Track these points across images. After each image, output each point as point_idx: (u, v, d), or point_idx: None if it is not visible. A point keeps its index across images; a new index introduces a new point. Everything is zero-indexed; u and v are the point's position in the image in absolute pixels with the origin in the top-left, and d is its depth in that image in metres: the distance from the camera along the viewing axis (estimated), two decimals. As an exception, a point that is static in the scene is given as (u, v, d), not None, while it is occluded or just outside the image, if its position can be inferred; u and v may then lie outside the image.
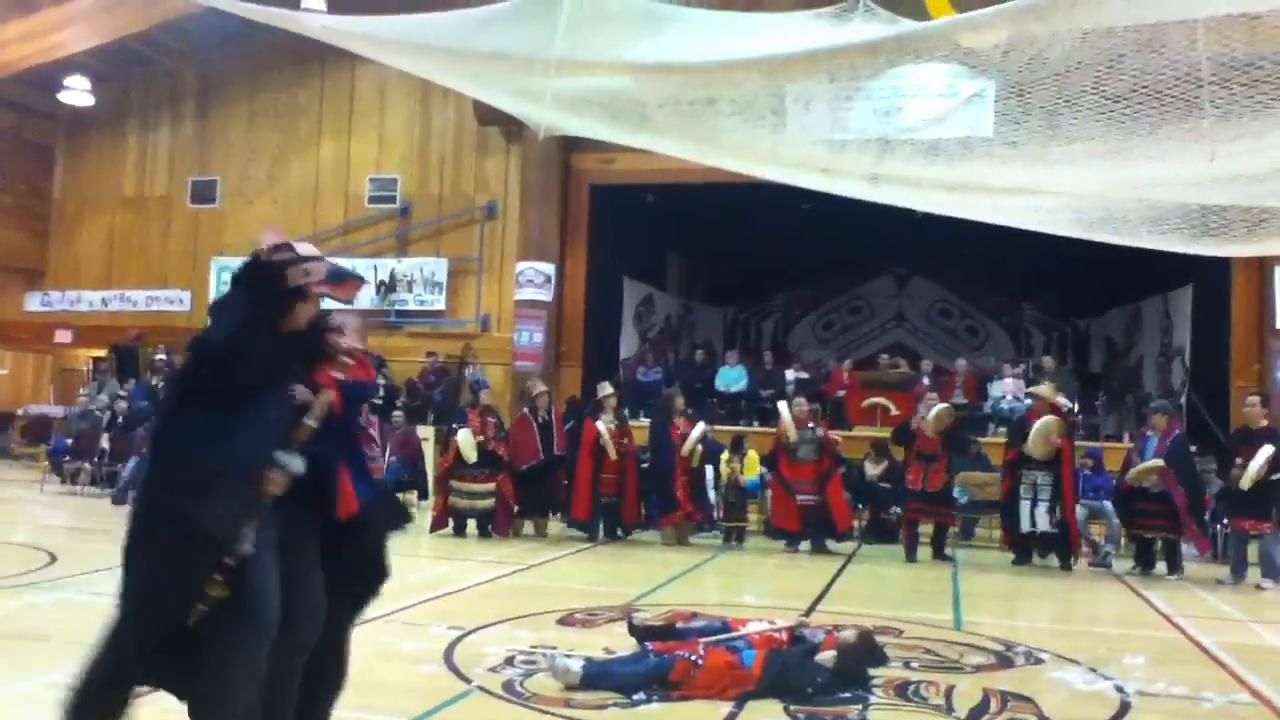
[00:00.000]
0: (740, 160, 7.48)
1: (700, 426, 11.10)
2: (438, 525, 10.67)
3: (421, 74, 9.07)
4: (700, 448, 10.97)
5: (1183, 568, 9.79)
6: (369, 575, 3.43)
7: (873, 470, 12.01)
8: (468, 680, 4.85)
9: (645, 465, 11.30)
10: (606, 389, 11.48)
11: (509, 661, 5.20)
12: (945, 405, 10.72)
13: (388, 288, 16.87)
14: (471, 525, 10.68)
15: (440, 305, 16.89)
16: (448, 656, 5.28)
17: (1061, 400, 10.60)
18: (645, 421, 12.82)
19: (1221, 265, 13.24)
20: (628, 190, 16.13)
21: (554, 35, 6.58)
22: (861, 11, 7.03)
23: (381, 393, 13.52)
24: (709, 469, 11.44)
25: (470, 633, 5.85)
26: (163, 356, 16.16)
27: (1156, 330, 16.31)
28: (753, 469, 11.78)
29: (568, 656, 4.94)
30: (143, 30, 17.54)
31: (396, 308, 16.89)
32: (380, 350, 15.57)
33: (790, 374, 16.31)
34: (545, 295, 15.76)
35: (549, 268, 15.78)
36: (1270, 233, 7.80)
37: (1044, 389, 10.69)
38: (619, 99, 6.50)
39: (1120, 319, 17.99)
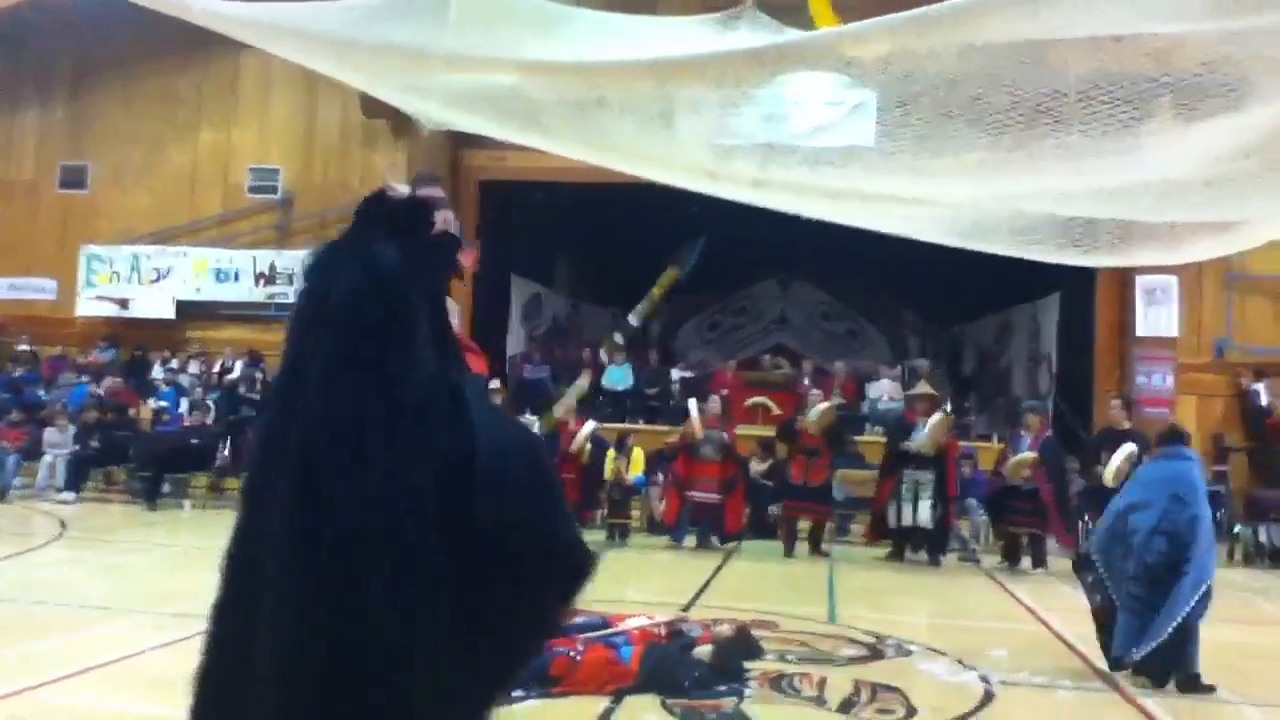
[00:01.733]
0: (629, 162, 7.54)
1: (590, 424, 11.15)
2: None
3: (306, 64, 8.88)
4: (589, 445, 11.02)
5: (1047, 562, 10.24)
6: None
7: (758, 467, 12.23)
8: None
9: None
10: (493, 384, 11.44)
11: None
12: (829, 404, 11.00)
13: (267, 280, 16.44)
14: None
15: (323, 299, 16.54)
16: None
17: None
18: (533, 418, 12.81)
19: (1087, 275, 13.85)
20: (518, 188, 16.08)
21: (443, 30, 6.53)
22: (748, 19, 7.16)
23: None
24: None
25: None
26: (25, 347, 15.46)
27: (1025, 336, 17.01)
28: (638, 467, 11.89)
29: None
30: (11, 6, 16.73)
31: (276, 301, 16.47)
32: (258, 346, 15.22)
33: (676, 373, 16.51)
34: (433, 291, 15.57)
35: (437, 263, 15.60)
36: (1133, 245, 8.23)
37: (924, 387, 11.06)
38: (508, 97, 6.49)
39: (992, 325, 18.69)
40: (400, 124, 15.51)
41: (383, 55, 7.12)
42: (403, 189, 2.75)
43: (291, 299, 15.64)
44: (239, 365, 15.19)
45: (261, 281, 16.39)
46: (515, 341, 17.20)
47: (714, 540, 10.70)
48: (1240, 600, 9.28)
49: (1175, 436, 6.24)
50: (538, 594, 2.40)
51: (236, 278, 16.39)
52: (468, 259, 2.89)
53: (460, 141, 15.15)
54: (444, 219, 2.72)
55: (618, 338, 11.43)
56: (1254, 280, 14.58)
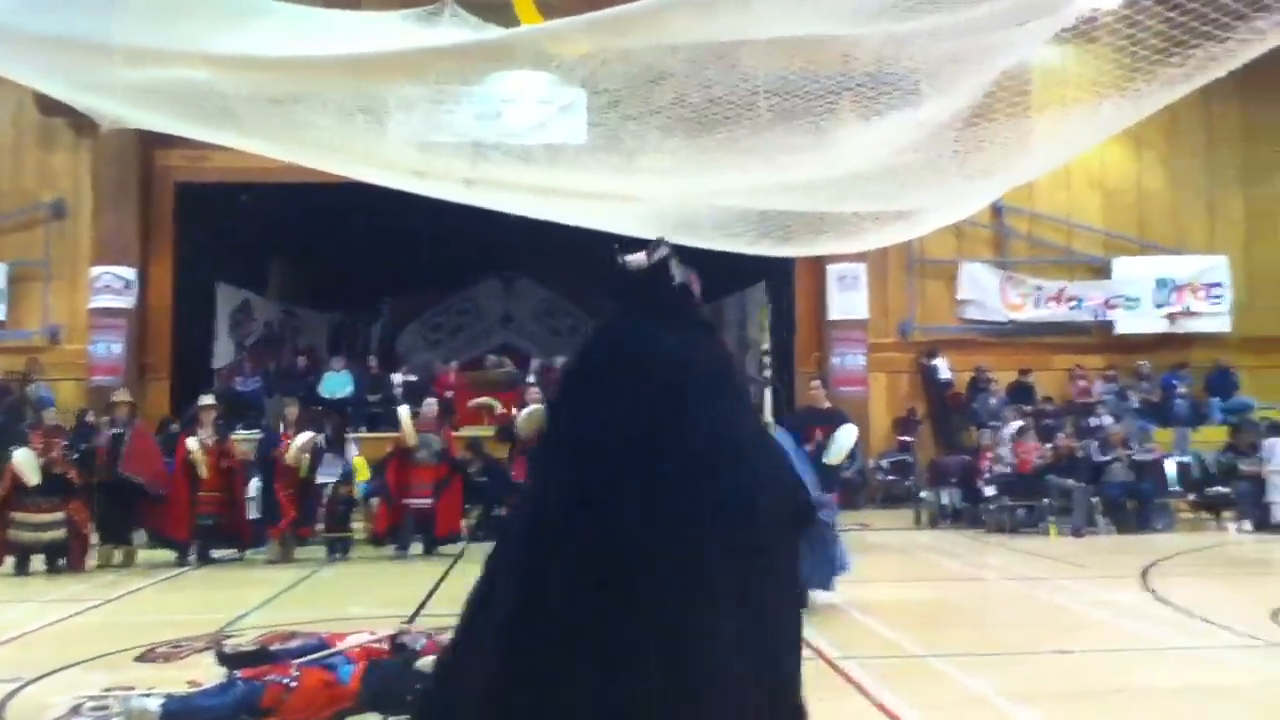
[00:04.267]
0: (332, 161, 7.27)
1: (305, 435, 10.66)
2: (-4, 563, 9.45)
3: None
4: (307, 457, 10.53)
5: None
6: None
7: (471, 469, 12.15)
8: (24, 738, 4.33)
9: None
10: (206, 399, 10.79)
11: (75, 711, 4.68)
12: (537, 407, 11.04)
13: (-71, 296, 14.69)
14: (38, 561, 9.53)
15: (-1, 315, 14.97)
16: (-1, 714, 4.68)
17: None
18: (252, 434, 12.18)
19: (786, 264, 14.73)
20: (220, 190, 15.16)
21: (124, 21, 6.03)
22: (449, 16, 7.06)
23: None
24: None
25: (29, 683, 5.21)
26: None
27: (735, 325, 17.86)
28: (362, 474, 11.51)
29: (145, 696, 4.54)
30: None
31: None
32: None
33: (398, 377, 16.13)
34: (126, 302, 14.47)
35: (129, 272, 14.49)
36: (823, 235, 8.80)
37: None
38: (197, 93, 6.05)
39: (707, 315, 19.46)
40: (82, 122, 14.18)
41: (52, 48, 6.49)
42: (639, 258, 3.08)
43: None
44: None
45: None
46: (224, 353, 16.21)
47: (424, 545, 10.56)
48: (928, 561, 10.15)
49: None
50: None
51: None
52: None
53: (153, 141, 14.12)
54: (680, 274, 3.11)
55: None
56: (932, 264, 16.01)
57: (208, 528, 10.22)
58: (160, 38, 6.21)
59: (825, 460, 10.35)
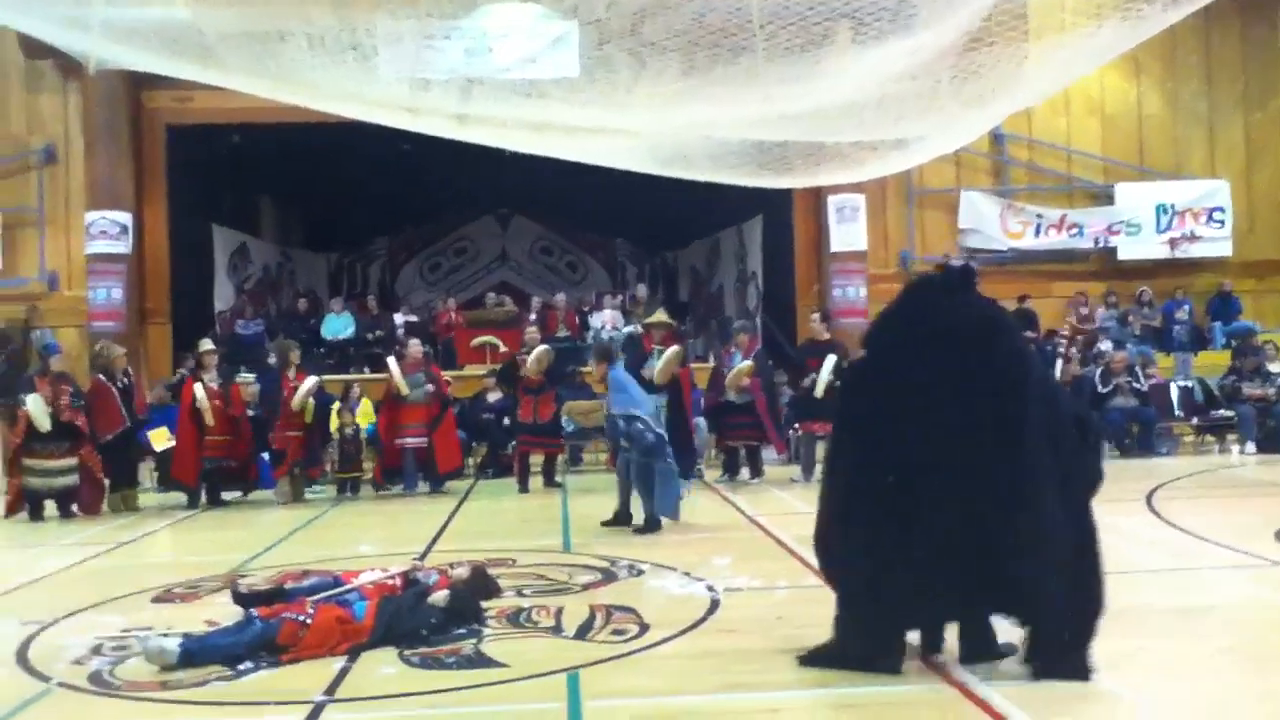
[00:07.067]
0: (321, 99, 7.20)
1: (312, 379, 10.71)
2: (12, 510, 9.55)
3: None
4: (313, 401, 10.59)
5: (763, 471, 10.87)
6: None
7: (493, 398, 12.20)
8: (46, 679, 4.41)
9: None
10: (206, 344, 10.79)
11: (96, 651, 4.78)
12: (544, 347, 11.01)
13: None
14: (51, 507, 9.64)
15: (-6, 264, 14.93)
16: (21, 656, 4.76)
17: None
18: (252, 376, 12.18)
19: (785, 197, 14.64)
20: (210, 131, 15.01)
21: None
22: (438, -53, 6.96)
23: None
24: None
25: (48, 626, 5.31)
26: None
27: (733, 259, 17.81)
28: (367, 416, 11.60)
29: (163, 636, 4.64)
30: None
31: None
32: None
33: (399, 318, 16.15)
34: (122, 247, 14.40)
35: (124, 217, 14.40)
36: (821, 166, 8.76)
37: (660, 317, 11.28)
38: (177, 31, 5.98)
39: (702, 250, 19.43)
40: (68, 64, 14.05)
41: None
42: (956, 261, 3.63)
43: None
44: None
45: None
46: (224, 296, 16.19)
47: (429, 484, 10.65)
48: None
49: None
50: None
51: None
52: None
53: (141, 82, 13.95)
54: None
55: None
56: (931, 194, 15.92)
57: (214, 470, 10.31)
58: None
59: (814, 394, 10.48)
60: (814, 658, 4.18)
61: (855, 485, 4.05)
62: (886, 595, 3.92)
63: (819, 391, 10.42)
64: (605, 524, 8.01)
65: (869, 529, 3.96)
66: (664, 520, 7.81)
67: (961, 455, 3.83)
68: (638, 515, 7.87)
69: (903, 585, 3.88)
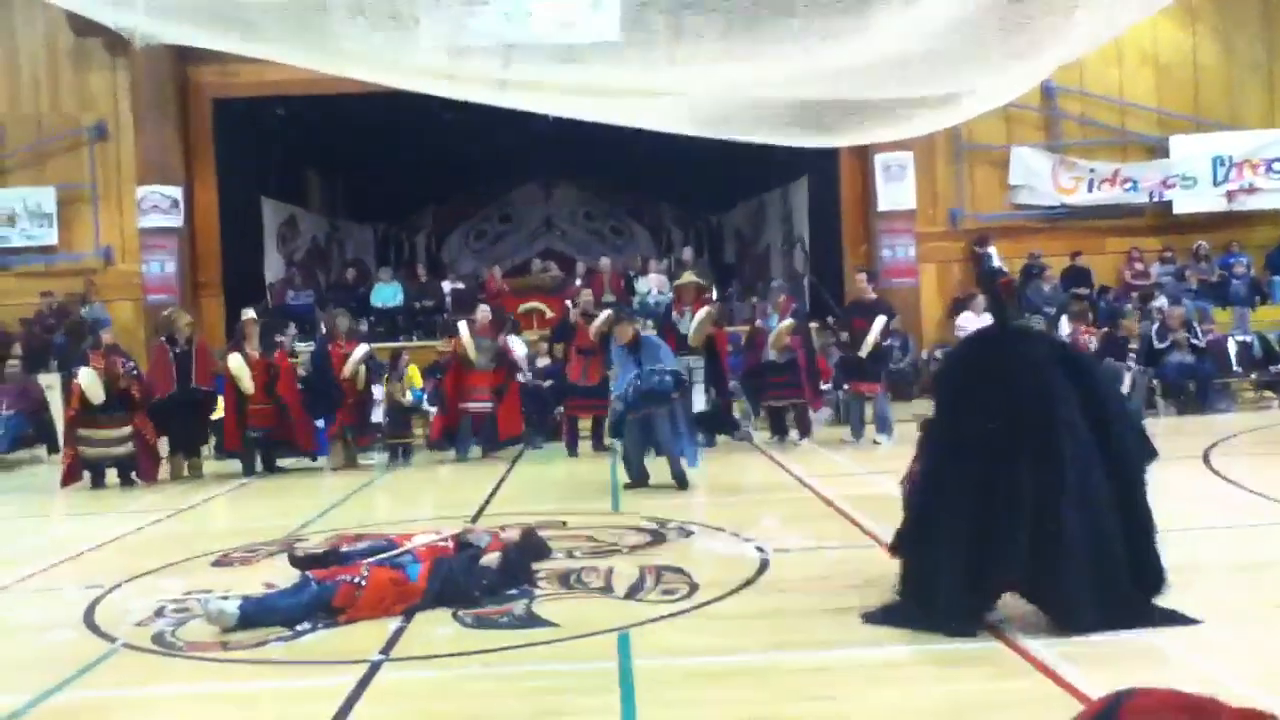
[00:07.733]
0: (361, 69, 7.19)
1: (363, 348, 10.82)
2: (69, 479, 9.78)
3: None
4: (364, 369, 10.70)
5: (811, 431, 10.84)
6: None
7: (543, 362, 12.25)
8: (111, 639, 4.54)
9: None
10: (248, 313, 10.91)
11: (158, 613, 4.91)
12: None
13: (-18, 220, 14.95)
14: (111, 475, 9.87)
15: (52, 239, 15.22)
16: (87, 618, 4.91)
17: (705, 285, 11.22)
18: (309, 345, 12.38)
19: (830, 156, 14.47)
20: (256, 104, 15.16)
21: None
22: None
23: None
24: (377, 390, 11.22)
25: (112, 590, 5.46)
26: None
27: (779, 221, 17.66)
28: (415, 381, 11.71)
29: (223, 599, 4.75)
30: None
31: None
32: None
33: (447, 285, 16.25)
34: (174, 221, 14.63)
35: (175, 191, 14.62)
36: (866, 124, 8.62)
37: (689, 276, 11.24)
38: (220, 4, 6.01)
39: (747, 212, 19.28)
40: (115, 41, 14.19)
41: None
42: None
43: (14, 241, 14.24)
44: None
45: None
46: (274, 267, 16.39)
47: (484, 448, 10.74)
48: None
49: None
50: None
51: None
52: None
53: (186, 56, 14.11)
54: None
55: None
56: (979, 150, 15.65)
57: (259, 439, 10.42)
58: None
59: (860, 354, 10.41)
60: (882, 615, 4.20)
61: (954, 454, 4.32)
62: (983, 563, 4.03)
63: (865, 351, 10.36)
64: (628, 486, 8.22)
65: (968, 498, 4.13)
66: (710, 481, 7.77)
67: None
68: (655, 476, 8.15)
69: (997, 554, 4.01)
